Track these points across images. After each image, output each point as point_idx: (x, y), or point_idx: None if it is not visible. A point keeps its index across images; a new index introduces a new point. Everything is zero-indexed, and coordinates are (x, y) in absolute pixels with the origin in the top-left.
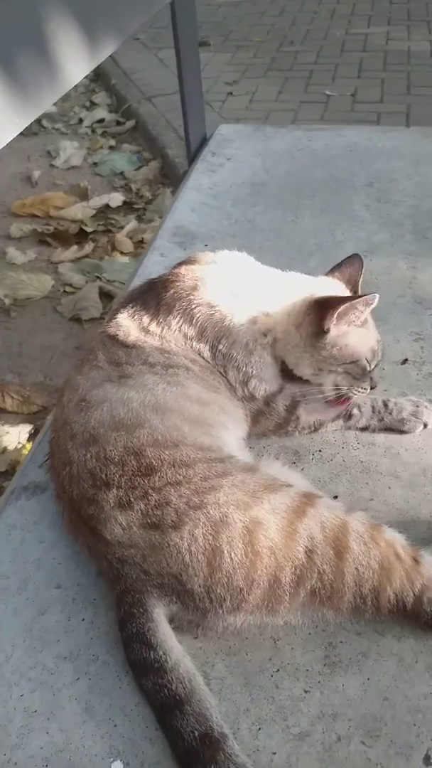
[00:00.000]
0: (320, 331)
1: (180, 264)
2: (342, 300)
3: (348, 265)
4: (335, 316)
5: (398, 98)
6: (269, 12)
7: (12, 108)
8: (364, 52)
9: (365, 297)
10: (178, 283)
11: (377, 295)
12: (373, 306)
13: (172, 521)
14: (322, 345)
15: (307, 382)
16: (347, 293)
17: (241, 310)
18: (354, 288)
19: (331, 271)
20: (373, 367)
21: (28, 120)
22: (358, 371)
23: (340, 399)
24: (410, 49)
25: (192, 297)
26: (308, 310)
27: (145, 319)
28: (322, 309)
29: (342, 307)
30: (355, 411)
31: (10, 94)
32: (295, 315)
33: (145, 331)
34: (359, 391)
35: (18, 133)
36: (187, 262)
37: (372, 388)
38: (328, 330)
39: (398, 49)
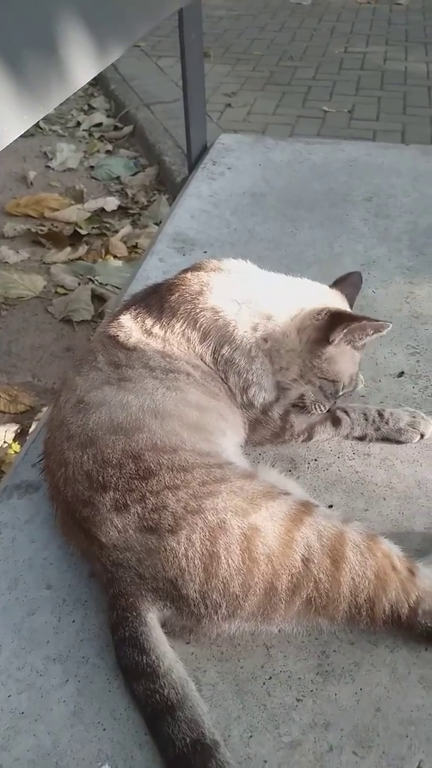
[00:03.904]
0: (322, 340)
1: (186, 270)
2: (357, 318)
3: (350, 284)
4: (344, 331)
5: (394, 117)
6: (269, 27)
7: (21, 105)
8: (362, 71)
9: (379, 323)
10: (183, 287)
11: (390, 325)
12: (381, 335)
13: (169, 525)
14: (318, 354)
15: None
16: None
17: (245, 316)
18: (350, 306)
19: (334, 285)
20: (342, 393)
21: (35, 118)
22: (331, 391)
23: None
24: (407, 70)
25: (197, 301)
26: (317, 316)
27: (148, 322)
28: (334, 320)
29: (354, 325)
30: (343, 417)
31: (19, 91)
32: (301, 318)
33: (148, 333)
34: (317, 408)
35: (25, 130)
36: (193, 268)
37: (327, 411)
38: (332, 342)
39: (395, 69)
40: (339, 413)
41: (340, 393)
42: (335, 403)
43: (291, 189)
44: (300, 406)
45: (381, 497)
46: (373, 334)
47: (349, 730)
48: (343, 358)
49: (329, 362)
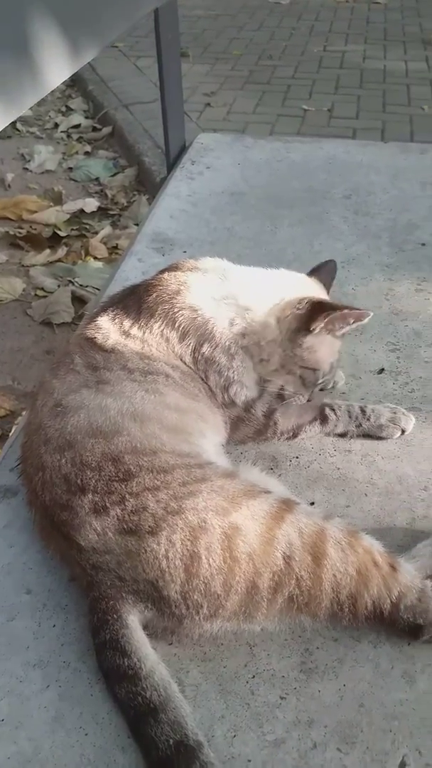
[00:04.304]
0: (303, 329)
1: (163, 270)
2: (338, 307)
3: (326, 273)
4: (325, 320)
5: (374, 115)
6: (248, 26)
7: None
8: (341, 69)
9: (360, 312)
10: (161, 287)
11: (371, 314)
12: (362, 323)
13: (149, 527)
14: (299, 343)
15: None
16: (326, 297)
17: (223, 314)
18: (327, 292)
19: (311, 273)
20: (321, 381)
21: (8, 119)
22: (311, 380)
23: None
24: (386, 68)
25: (175, 301)
26: (298, 306)
27: (126, 323)
28: (315, 310)
29: (336, 314)
30: (330, 415)
31: None
32: (282, 307)
33: (126, 334)
34: (297, 399)
35: None
36: (170, 268)
37: (308, 401)
38: (313, 331)
39: (374, 68)
40: (327, 411)
41: (320, 381)
42: (313, 393)
43: (270, 188)
44: (279, 396)
45: (362, 493)
46: (353, 323)
47: (333, 727)
48: (324, 346)
49: (310, 351)
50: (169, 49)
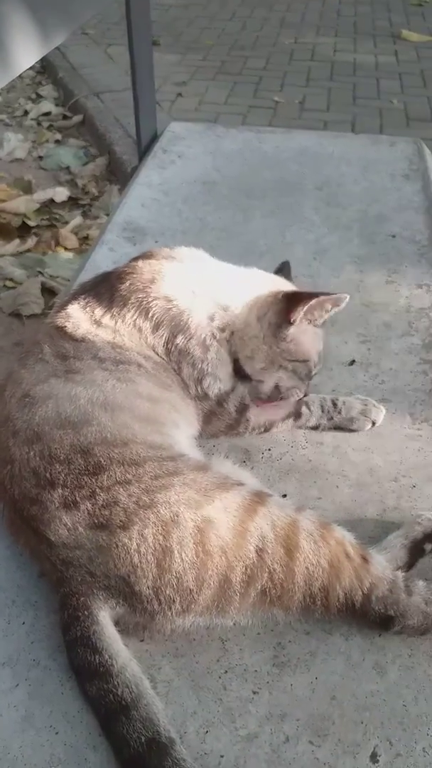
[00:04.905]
0: (284, 323)
1: (137, 258)
2: (313, 295)
3: (286, 273)
4: (304, 310)
5: (344, 108)
6: (219, 16)
7: None
8: (312, 61)
9: (336, 296)
10: (135, 276)
11: (348, 297)
12: (340, 308)
13: (120, 521)
14: (282, 337)
15: (248, 379)
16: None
17: (199, 305)
18: None
19: (276, 273)
20: (315, 371)
21: None
22: (304, 371)
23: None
24: (356, 61)
25: (149, 290)
26: (275, 301)
27: (98, 312)
28: (291, 302)
29: (313, 302)
30: (304, 410)
31: None
32: (259, 306)
33: (97, 323)
34: (294, 394)
35: None
36: (144, 256)
37: (305, 395)
38: (294, 322)
39: (344, 60)
40: (301, 407)
41: (314, 372)
42: (309, 386)
43: (242, 178)
44: (277, 395)
45: (334, 485)
46: (331, 308)
47: (305, 720)
48: (308, 336)
49: (295, 343)
50: (140, 37)
